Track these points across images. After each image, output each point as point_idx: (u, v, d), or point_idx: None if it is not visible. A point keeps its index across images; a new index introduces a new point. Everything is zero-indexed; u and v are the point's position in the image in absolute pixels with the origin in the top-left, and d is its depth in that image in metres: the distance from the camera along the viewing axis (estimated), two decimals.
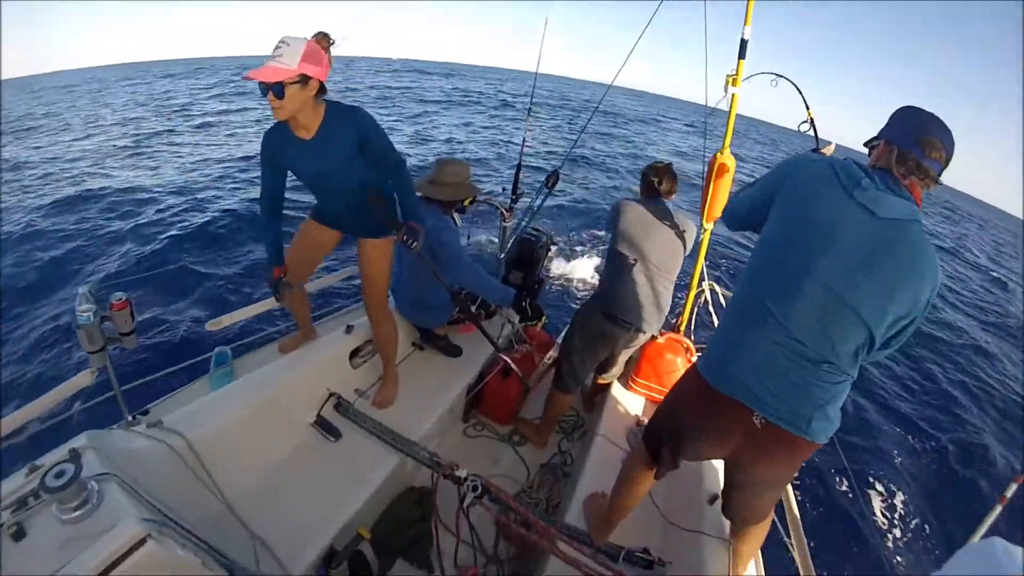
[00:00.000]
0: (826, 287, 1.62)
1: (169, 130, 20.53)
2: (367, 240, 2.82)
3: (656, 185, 3.16)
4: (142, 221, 10.17)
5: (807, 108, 3.05)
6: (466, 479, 2.21)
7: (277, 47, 2.15)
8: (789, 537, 2.60)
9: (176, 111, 26.03)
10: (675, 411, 2.10)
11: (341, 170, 2.52)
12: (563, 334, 3.55)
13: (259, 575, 1.82)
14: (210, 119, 23.27)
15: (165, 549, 1.32)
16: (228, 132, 20.38)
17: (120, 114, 25.99)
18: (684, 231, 3.13)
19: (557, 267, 10.24)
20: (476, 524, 2.76)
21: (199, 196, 11.90)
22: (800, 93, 3.17)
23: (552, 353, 3.77)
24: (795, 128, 2.90)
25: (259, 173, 2.55)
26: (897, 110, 1.76)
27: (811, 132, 2.89)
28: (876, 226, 1.59)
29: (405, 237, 2.59)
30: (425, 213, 3.18)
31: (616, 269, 3.15)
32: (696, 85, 3.87)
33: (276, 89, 2.15)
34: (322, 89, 2.34)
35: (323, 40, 2.32)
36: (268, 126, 2.47)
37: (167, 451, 2.15)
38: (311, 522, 2.39)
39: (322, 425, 2.90)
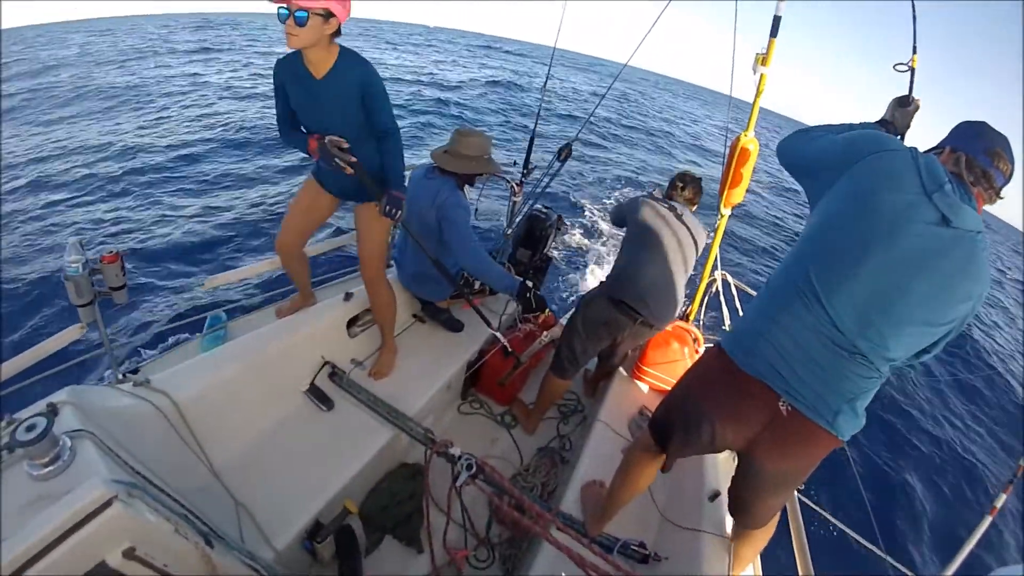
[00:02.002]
0: (878, 280, 1.55)
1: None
2: (359, 205, 2.75)
3: (679, 189, 3.21)
4: (145, 176, 10.00)
5: (914, 48, 2.59)
6: (460, 457, 2.13)
7: None
8: (791, 541, 2.51)
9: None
10: (692, 392, 2.00)
11: (340, 120, 2.47)
12: (568, 316, 3.41)
13: (237, 545, 1.72)
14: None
15: (134, 513, 1.22)
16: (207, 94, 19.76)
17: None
18: (696, 236, 3.08)
19: (565, 246, 10.11)
20: (469, 505, 2.69)
21: (201, 152, 11.74)
22: (913, 13, 2.75)
23: (553, 332, 3.65)
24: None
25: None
26: (963, 122, 1.72)
27: (907, 76, 2.48)
28: (946, 234, 1.51)
29: (387, 207, 2.50)
30: (439, 185, 3.08)
31: (629, 256, 3.03)
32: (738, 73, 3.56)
33: (300, 16, 2.12)
34: (338, 31, 2.31)
35: None
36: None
37: (152, 411, 2.06)
38: (297, 493, 2.31)
39: (315, 394, 2.80)
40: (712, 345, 2.05)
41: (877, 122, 2.11)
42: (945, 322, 1.58)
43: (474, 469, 2.08)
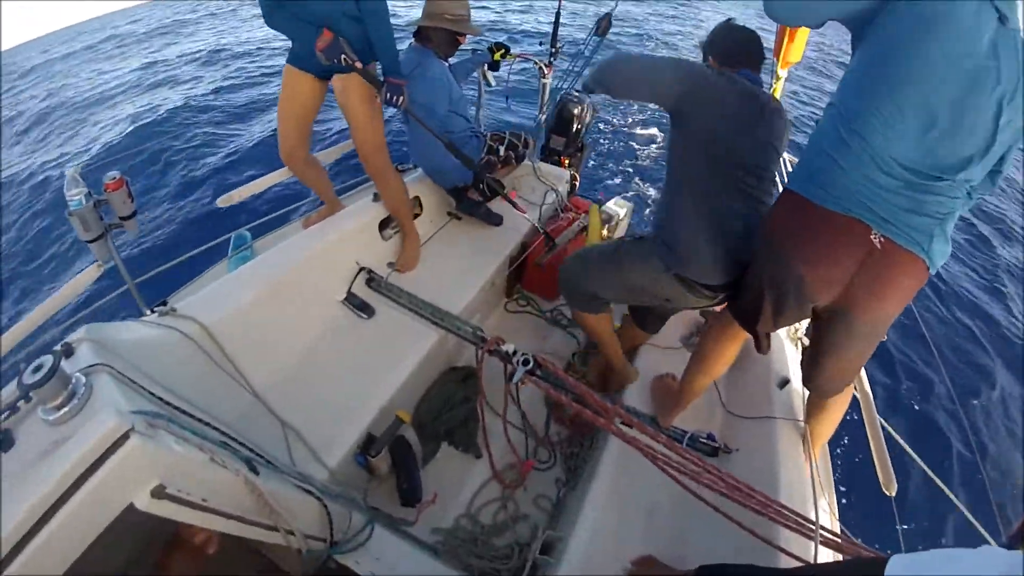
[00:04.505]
0: (955, 106, 1.44)
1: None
2: (337, 77, 2.47)
3: (744, 51, 2.11)
4: (141, 97, 9.64)
5: None
6: (514, 353, 1.96)
7: None
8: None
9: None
10: (773, 249, 1.78)
11: None
12: (599, 250, 2.50)
13: (287, 468, 1.60)
14: None
15: (156, 445, 1.07)
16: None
17: None
18: (783, 114, 2.10)
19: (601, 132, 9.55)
20: (524, 405, 2.61)
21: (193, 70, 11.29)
22: None
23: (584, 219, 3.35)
24: None
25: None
26: None
27: None
28: (1007, 36, 1.41)
29: (388, 95, 2.33)
30: (407, 56, 2.84)
31: (693, 199, 2.04)
32: None
33: None
34: None
35: None
36: None
37: (180, 339, 1.91)
38: (346, 408, 2.20)
39: (353, 302, 2.64)
40: (781, 193, 1.82)
41: None
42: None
43: (531, 365, 1.92)
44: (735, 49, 2.09)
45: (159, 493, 1.07)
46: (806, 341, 3.03)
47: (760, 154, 2.02)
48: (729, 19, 2.23)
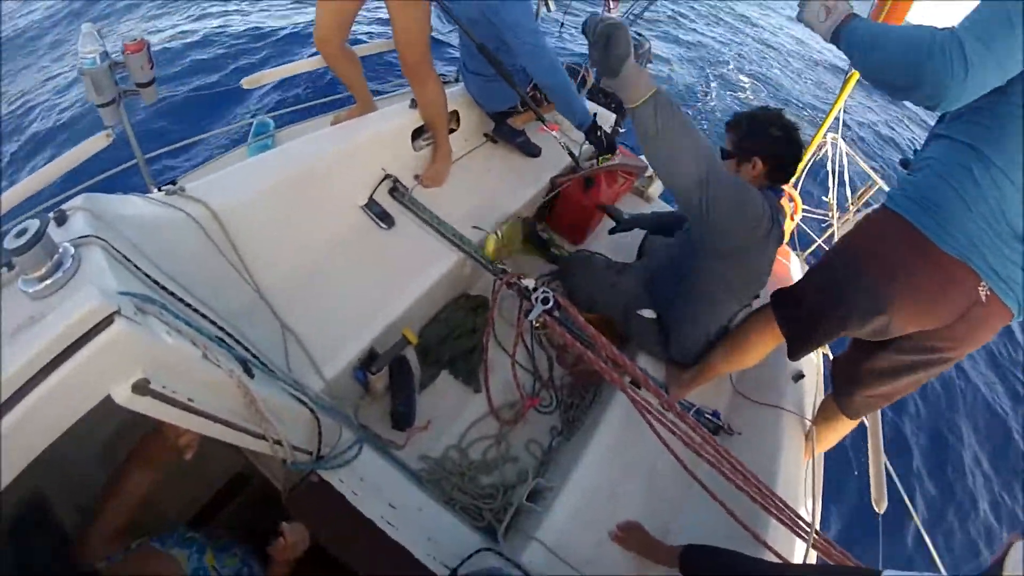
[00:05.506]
0: None
1: None
2: None
3: (794, 168, 2.11)
4: None
5: None
6: (535, 290, 1.86)
7: None
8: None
9: None
10: (866, 271, 1.66)
11: None
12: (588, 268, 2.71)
13: (283, 374, 1.51)
14: None
15: (144, 333, 0.96)
16: None
17: None
18: None
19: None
20: (531, 346, 2.60)
21: None
22: None
23: (615, 160, 3.16)
24: None
25: None
26: None
27: None
28: None
29: None
30: None
31: (701, 316, 2.27)
32: None
33: None
34: None
35: None
36: None
37: (184, 221, 1.77)
38: (351, 319, 2.09)
39: (373, 210, 2.50)
40: (879, 210, 1.70)
41: None
42: None
43: (551, 304, 1.81)
44: (790, 166, 2.06)
45: (141, 388, 0.96)
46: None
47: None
48: (781, 111, 2.09)
